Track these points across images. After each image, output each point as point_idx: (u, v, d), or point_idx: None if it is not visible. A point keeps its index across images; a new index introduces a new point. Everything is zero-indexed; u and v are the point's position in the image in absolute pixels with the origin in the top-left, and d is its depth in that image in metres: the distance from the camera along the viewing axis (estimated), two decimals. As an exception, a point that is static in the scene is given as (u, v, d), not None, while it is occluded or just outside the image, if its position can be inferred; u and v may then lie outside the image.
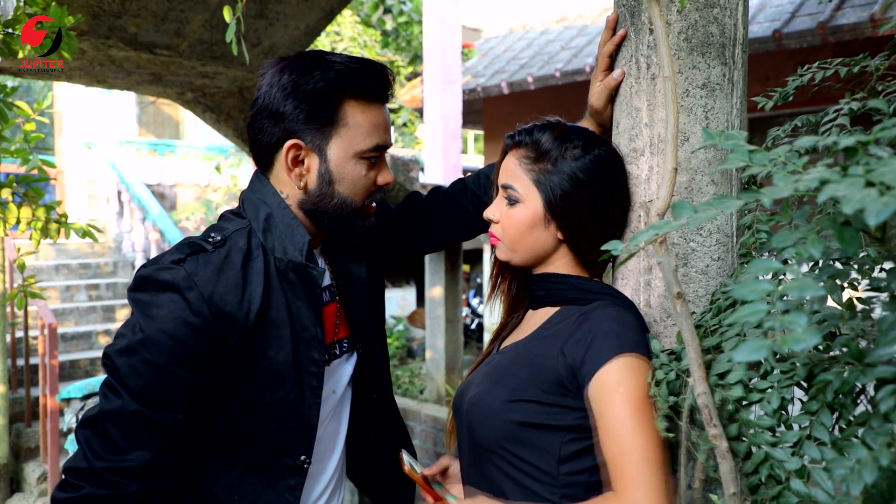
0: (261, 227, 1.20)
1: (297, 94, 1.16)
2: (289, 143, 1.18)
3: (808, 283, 0.48)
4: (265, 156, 1.23)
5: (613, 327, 1.07)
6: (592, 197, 1.15)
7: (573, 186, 1.14)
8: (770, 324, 0.48)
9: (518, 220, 1.18)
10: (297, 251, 1.19)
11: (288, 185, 1.23)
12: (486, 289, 1.37)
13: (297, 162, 1.20)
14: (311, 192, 1.21)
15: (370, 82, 1.20)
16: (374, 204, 1.27)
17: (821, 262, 0.82)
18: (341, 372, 1.35)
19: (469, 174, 1.56)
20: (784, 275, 0.67)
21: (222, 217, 1.26)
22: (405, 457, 1.36)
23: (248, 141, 1.26)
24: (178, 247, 1.16)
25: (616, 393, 1.03)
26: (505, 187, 1.20)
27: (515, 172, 1.19)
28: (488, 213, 1.23)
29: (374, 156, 1.22)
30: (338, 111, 1.18)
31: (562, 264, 1.20)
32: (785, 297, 0.52)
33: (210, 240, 1.16)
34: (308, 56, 1.20)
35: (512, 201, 1.19)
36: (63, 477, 1.10)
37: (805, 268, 0.79)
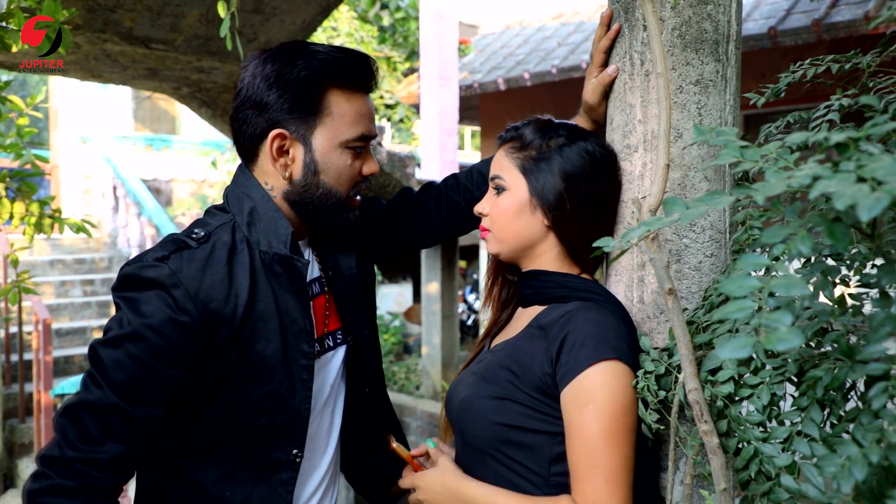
0: (245, 220, 1.20)
1: (280, 83, 1.16)
2: (273, 132, 1.18)
3: (795, 281, 0.48)
4: (250, 147, 1.23)
5: (593, 332, 1.07)
6: (576, 184, 1.16)
7: (557, 171, 1.16)
8: (757, 321, 0.49)
9: (504, 207, 1.19)
10: (282, 243, 1.19)
11: (273, 177, 1.22)
12: (482, 293, 1.37)
13: (282, 152, 1.20)
14: (296, 182, 1.21)
15: (354, 71, 1.20)
16: (358, 197, 1.27)
17: (813, 258, 0.83)
18: (333, 365, 1.35)
19: (463, 170, 1.56)
20: (774, 271, 0.67)
21: (206, 213, 1.26)
22: (393, 439, 1.38)
23: (231, 133, 1.26)
24: (162, 244, 1.15)
25: (590, 404, 1.03)
26: (493, 178, 1.22)
27: (502, 163, 1.21)
28: (478, 208, 1.25)
29: (360, 145, 1.22)
30: (322, 100, 1.18)
31: (551, 257, 1.20)
32: (772, 295, 0.52)
33: (194, 236, 1.16)
34: (291, 46, 1.20)
35: (500, 191, 1.21)
36: (37, 466, 1.10)
37: (797, 263, 0.79)
